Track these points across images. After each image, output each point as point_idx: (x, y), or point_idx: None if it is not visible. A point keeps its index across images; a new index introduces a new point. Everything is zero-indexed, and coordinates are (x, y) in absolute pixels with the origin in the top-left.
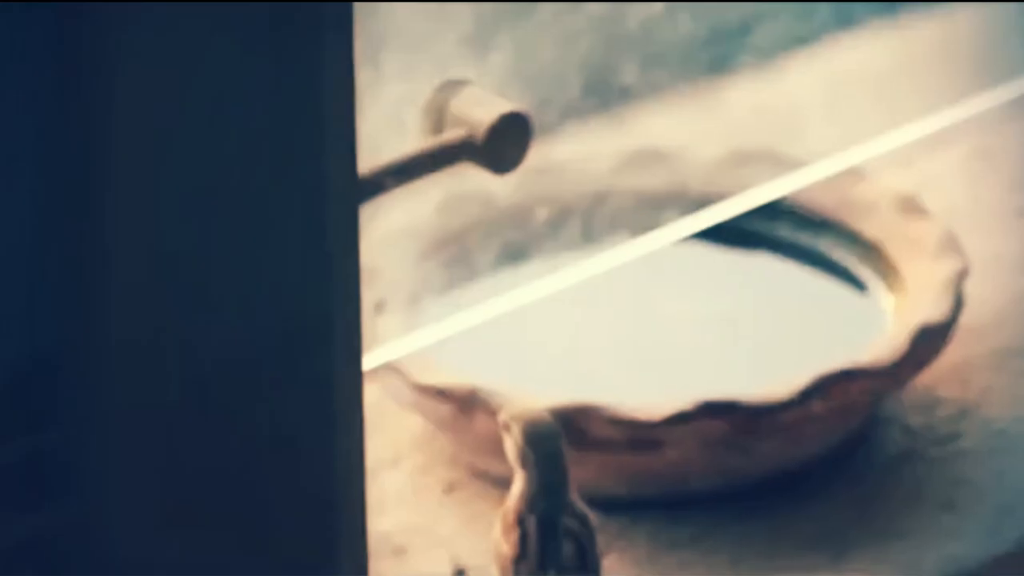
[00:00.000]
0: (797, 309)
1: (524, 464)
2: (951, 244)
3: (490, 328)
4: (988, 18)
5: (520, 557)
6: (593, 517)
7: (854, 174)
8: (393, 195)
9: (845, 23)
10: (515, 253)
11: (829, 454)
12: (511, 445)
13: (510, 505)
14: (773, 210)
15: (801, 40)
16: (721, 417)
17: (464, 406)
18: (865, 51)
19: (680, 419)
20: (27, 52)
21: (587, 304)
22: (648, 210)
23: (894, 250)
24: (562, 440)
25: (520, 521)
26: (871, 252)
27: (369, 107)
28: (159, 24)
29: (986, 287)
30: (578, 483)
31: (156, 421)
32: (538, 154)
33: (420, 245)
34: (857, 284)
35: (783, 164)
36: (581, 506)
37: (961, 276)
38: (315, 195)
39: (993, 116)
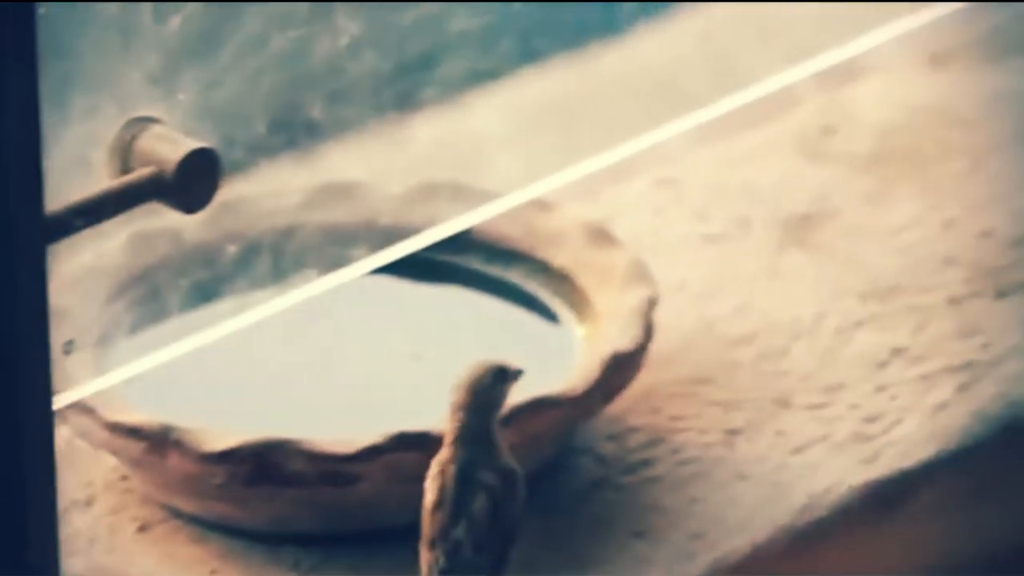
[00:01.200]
0: (489, 341)
1: (457, 409)
2: (640, 272)
3: (182, 366)
4: (669, 49)
5: (437, 505)
6: (521, 481)
7: (541, 205)
8: (82, 235)
9: (529, 57)
10: (205, 291)
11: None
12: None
13: (440, 454)
14: (462, 242)
15: (485, 74)
16: (414, 450)
17: (157, 444)
18: (549, 84)
19: (373, 452)
20: None
21: (279, 340)
22: (337, 245)
23: (584, 279)
24: (500, 398)
25: (442, 470)
26: (561, 282)
27: (54, 147)
28: None
29: (675, 315)
30: (271, 518)
31: None
32: (226, 191)
33: (109, 285)
34: (548, 314)
35: (470, 196)
36: (511, 465)
37: (650, 304)
38: (1, 236)
39: (676, 146)
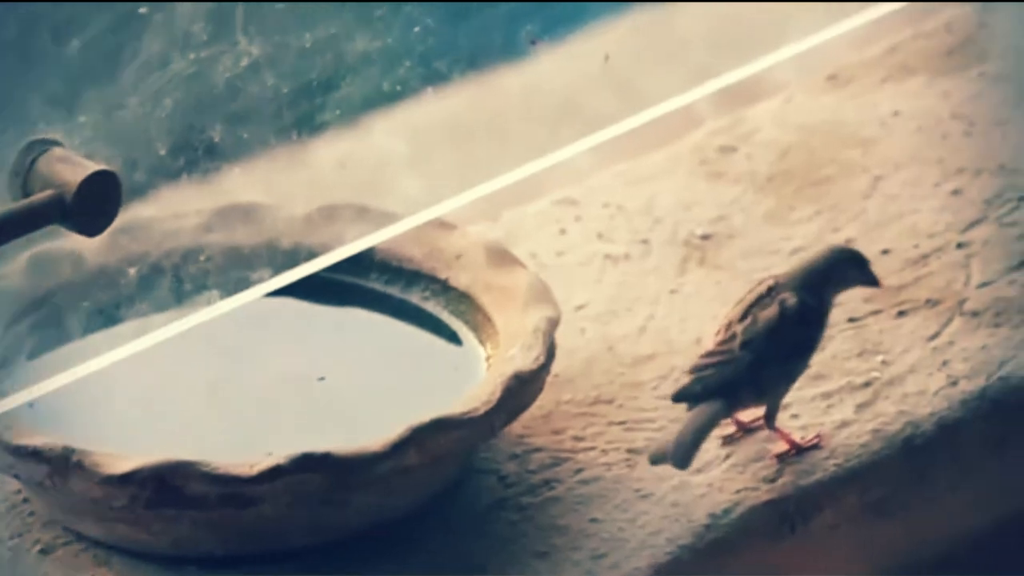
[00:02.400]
0: (390, 361)
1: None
2: (541, 293)
3: (84, 389)
4: (570, 69)
5: (739, 304)
6: (820, 324)
7: (443, 226)
8: None
9: (430, 79)
10: (107, 313)
11: (425, 505)
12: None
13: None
14: (364, 263)
15: (387, 96)
16: (316, 471)
17: (58, 467)
18: (451, 105)
19: (275, 474)
20: None
21: (181, 362)
22: (239, 266)
23: (485, 300)
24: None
25: (760, 282)
26: (463, 302)
27: None
28: None
29: (577, 335)
30: (174, 540)
31: None
32: (128, 214)
33: (9, 307)
34: (450, 335)
35: (372, 218)
36: (818, 306)
37: (552, 324)
38: None
39: (578, 166)
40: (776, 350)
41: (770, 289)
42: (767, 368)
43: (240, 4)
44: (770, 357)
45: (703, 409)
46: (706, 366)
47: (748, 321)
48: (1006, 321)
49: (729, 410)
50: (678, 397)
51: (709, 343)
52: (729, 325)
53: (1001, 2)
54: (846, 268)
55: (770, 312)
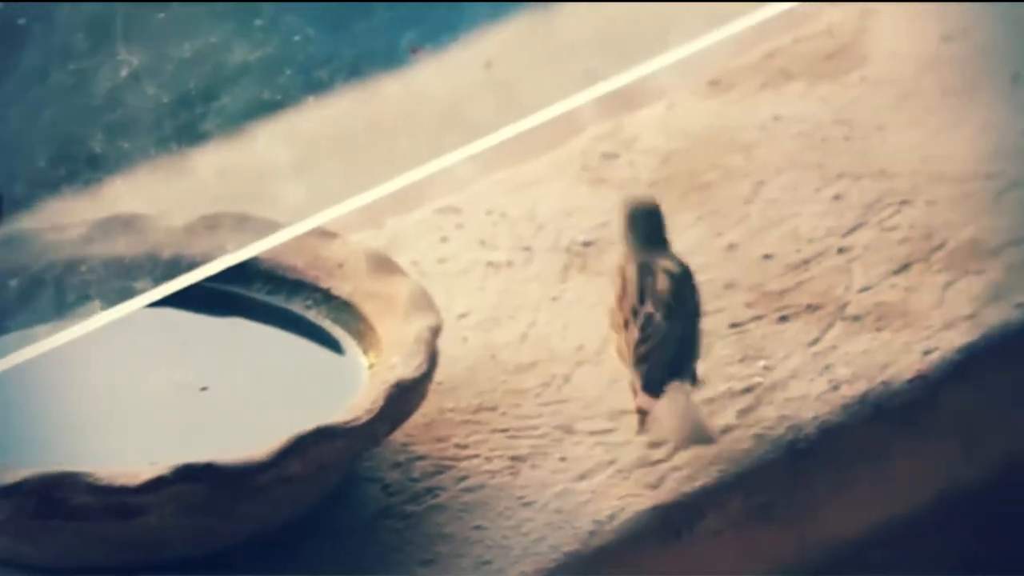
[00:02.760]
0: (273, 371)
1: (625, 233)
2: (423, 301)
3: None
4: (452, 77)
5: (621, 295)
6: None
7: (325, 234)
8: None
9: (311, 87)
10: None
11: (308, 514)
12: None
13: (616, 259)
14: (246, 273)
15: (268, 105)
16: (199, 481)
17: None
18: (332, 114)
19: (158, 484)
20: None
21: (64, 373)
22: (121, 277)
23: (368, 308)
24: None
25: (621, 272)
26: (345, 311)
27: None
28: None
29: (459, 343)
30: (60, 552)
31: None
32: (8, 226)
33: None
34: (333, 343)
35: (254, 227)
36: (679, 259)
37: (434, 332)
38: None
39: (460, 174)
40: (686, 310)
41: (641, 268)
42: (688, 329)
43: (120, 14)
44: (687, 318)
45: (676, 387)
46: (648, 353)
47: (652, 300)
48: (887, 325)
49: (692, 378)
50: (648, 388)
51: (622, 340)
52: (636, 312)
53: (882, 2)
54: (650, 213)
55: (662, 282)
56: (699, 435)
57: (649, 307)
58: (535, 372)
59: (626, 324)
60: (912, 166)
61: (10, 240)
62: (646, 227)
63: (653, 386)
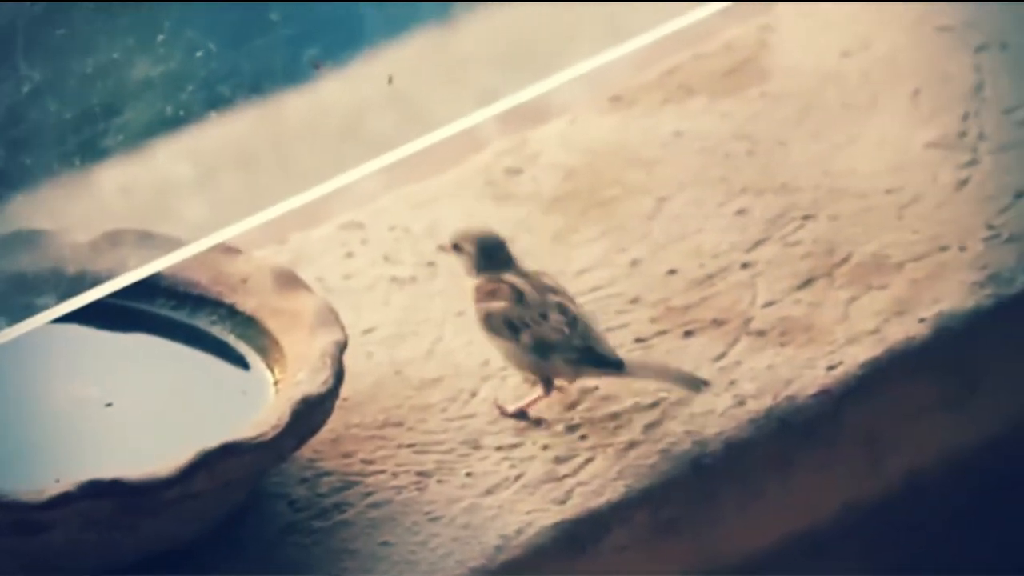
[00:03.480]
0: (178, 387)
1: (477, 262)
2: (328, 316)
3: None
4: (354, 92)
5: (517, 299)
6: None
7: (229, 250)
8: None
9: (213, 103)
10: None
11: (215, 529)
12: (465, 259)
13: (474, 285)
14: (149, 289)
15: (170, 121)
16: (105, 497)
17: None
18: (234, 129)
19: (65, 500)
20: None
21: None
22: (24, 293)
23: (273, 324)
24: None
25: (497, 283)
26: (250, 326)
27: None
28: None
29: (364, 359)
30: None
31: None
32: None
33: None
34: (238, 359)
35: (157, 243)
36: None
37: (340, 348)
38: None
39: (363, 189)
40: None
41: (518, 275)
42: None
43: (20, 29)
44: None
45: (635, 360)
46: (594, 340)
47: (550, 293)
48: (791, 340)
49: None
50: (621, 369)
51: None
52: (546, 306)
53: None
54: (498, 240)
55: (539, 279)
56: (688, 379)
57: (556, 300)
58: (441, 387)
59: (543, 316)
60: (814, 180)
61: None
62: (500, 252)
63: (617, 363)
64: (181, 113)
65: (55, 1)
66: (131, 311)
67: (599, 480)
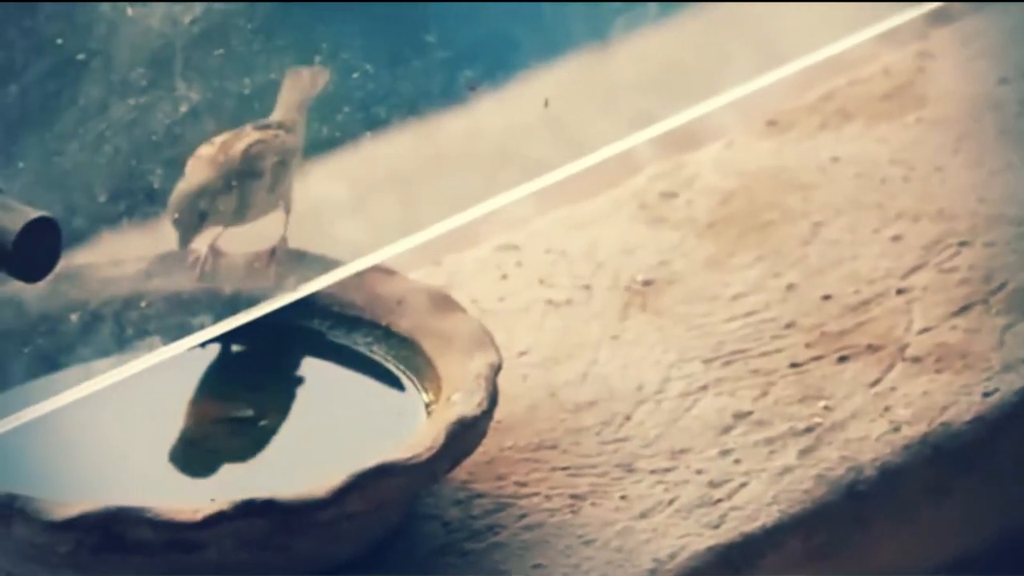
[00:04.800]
0: (332, 407)
1: None
2: (483, 338)
3: (26, 435)
4: (510, 115)
5: None
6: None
7: (384, 272)
8: None
9: (370, 125)
10: (48, 360)
11: (368, 551)
12: None
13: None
14: (306, 309)
15: (327, 142)
16: (260, 517)
17: (2, 513)
18: (391, 151)
19: (219, 519)
20: None
21: (123, 407)
22: (180, 312)
23: (428, 345)
24: None
25: None
26: (405, 348)
27: None
28: None
29: (519, 381)
30: None
31: None
32: (68, 260)
33: None
34: (393, 380)
35: (314, 263)
36: None
37: (494, 370)
38: None
39: (518, 212)
40: None
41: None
42: None
43: (178, 50)
44: None
45: None
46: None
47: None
48: (947, 367)
49: None
50: None
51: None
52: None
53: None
54: None
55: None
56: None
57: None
58: (595, 410)
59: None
60: (971, 207)
61: (70, 275)
62: None
63: None
64: (337, 134)
65: (211, 24)
66: (287, 331)
67: (753, 505)
